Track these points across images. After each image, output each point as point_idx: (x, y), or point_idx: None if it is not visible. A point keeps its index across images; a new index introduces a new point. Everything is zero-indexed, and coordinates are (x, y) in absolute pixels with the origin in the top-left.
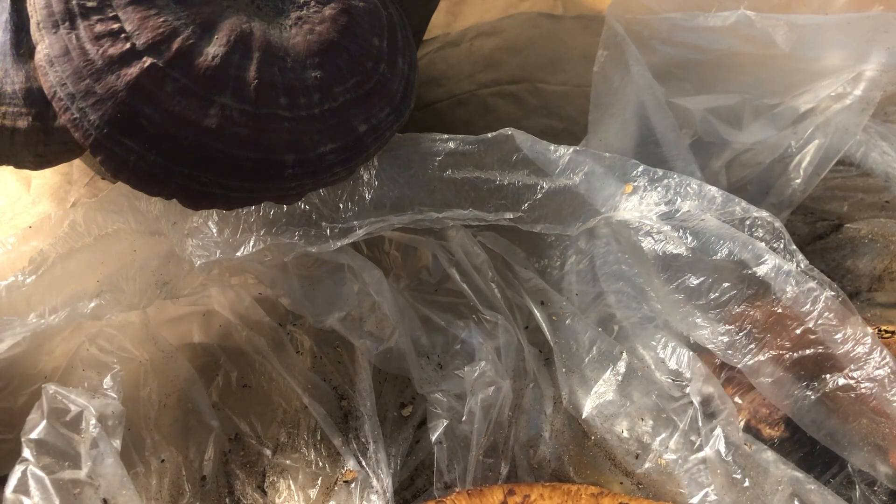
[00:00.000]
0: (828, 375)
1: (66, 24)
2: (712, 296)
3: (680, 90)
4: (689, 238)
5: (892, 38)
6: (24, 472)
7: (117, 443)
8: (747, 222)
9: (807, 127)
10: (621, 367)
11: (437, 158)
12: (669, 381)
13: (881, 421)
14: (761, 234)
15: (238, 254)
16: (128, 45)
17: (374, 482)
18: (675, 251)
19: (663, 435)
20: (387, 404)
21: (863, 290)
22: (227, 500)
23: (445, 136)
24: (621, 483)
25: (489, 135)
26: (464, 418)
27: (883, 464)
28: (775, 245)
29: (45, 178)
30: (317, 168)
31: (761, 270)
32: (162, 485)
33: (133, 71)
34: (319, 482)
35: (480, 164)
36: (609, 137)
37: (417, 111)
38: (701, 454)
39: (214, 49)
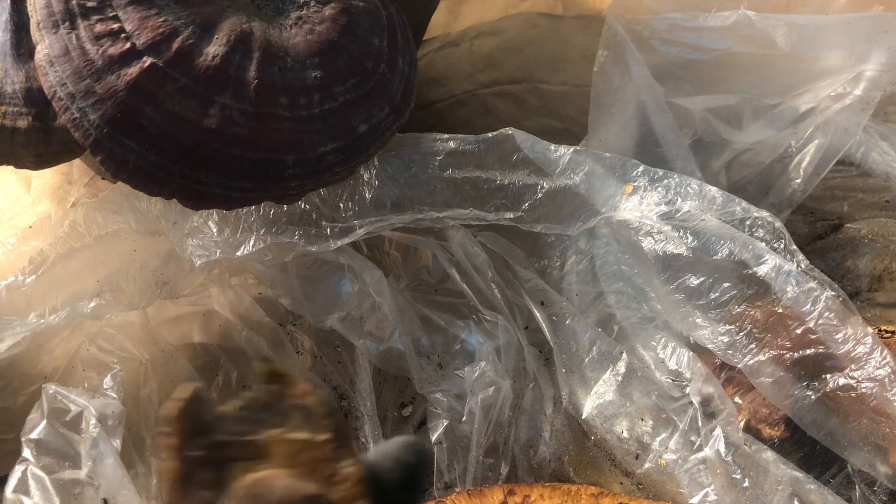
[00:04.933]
0: (828, 375)
1: (67, 24)
2: (712, 296)
3: (680, 90)
4: (690, 238)
5: (891, 39)
6: (24, 472)
7: (117, 443)
8: (747, 222)
9: (807, 127)
10: (621, 367)
11: (438, 158)
12: (669, 381)
13: (881, 421)
14: (761, 234)
15: (238, 253)
16: (128, 45)
17: None
18: (675, 251)
19: (663, 435)
20: (387, 404)
21: (863, 290)
22: None
23: (445, 135)
24: (621, 483)
25: (489, 135)
26: (464, 418)
27: (883, 464)
28: (775, 245)
29: (45, 178)
30: (317, 168)
31: (762, 270)
32: (162, 485)
33: (133, 71)
34: None
35: (481, 163)
36: (609, 137)
37: (417, 111)
38: (701, 454)
39: (214, 49)
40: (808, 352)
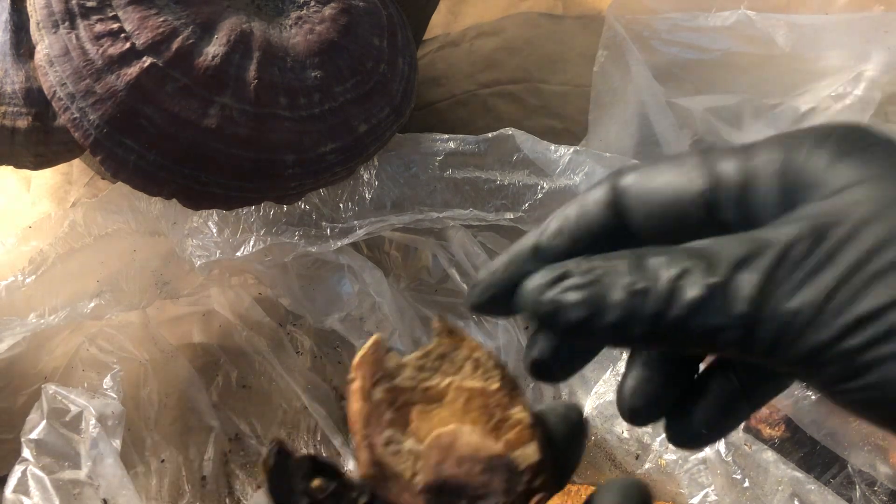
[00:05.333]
0: None
1: (66, 23)
2: None
3: (680, 90)
4: None
5: (892, 39)
6: (23, 473)
7: (117, 443)
8: None
9: None
10: (621, 367)
11: (438, 158)
12: None
13: None
14: None
15: (238, 254)
16: (128, 45)
17: None
18: None
19: (664, 435)
20: None
21: None
22: (227, 500)
23: (445, 136)
24: None
25: (489, 135)
26: None
27: (883, 464)
28: None
29: (45, 178)
30: (317, 168)
31: None
32: (162, 485)
33: (133, 71)
34: None
35: (481, 164)
36: (609, 137)
37: (417, 111)
38: (701, 454)
39: (214, 49)
40: None
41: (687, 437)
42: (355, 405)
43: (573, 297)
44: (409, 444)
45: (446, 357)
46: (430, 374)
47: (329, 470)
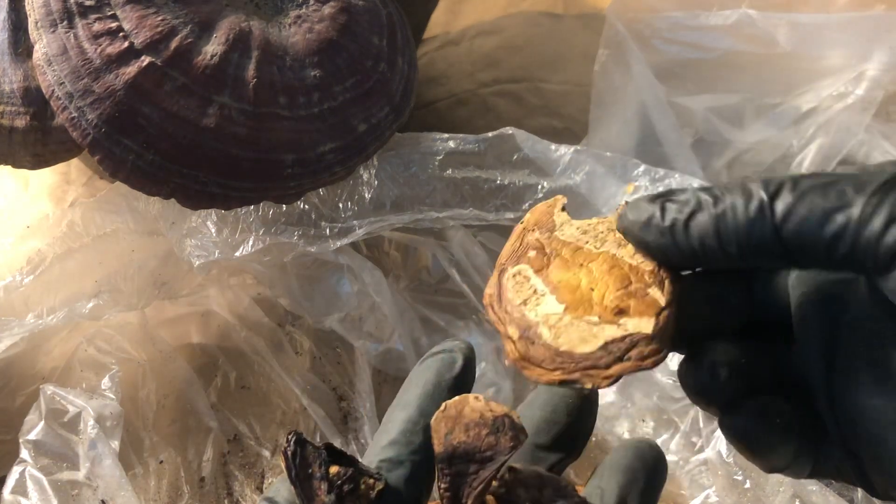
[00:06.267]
0: None
1: (65, 22)
2: None
3: (681, 89)
4: None
5: (894, 38)
6: (21, 474)
7: (115, 444)
8: None
9: (809, 126)
10: None
11: (438, 158)
12: (671, 382)
13: None
14: None
15: (237, 254)
16: (126, 44)
17: None
18: None
19: (664, 436)
20: (386, 405)
21: None
22: (225, 501)
23: (445, 135)
24: None
25: (489, 134)
26: None
27: None
28: None
29: (43, 178)
30: (316, 167)
31: None
32: (160, 486)
33: (131, 70)
34: None
35: (481, 163)
36: (610, 137)
37: (417, 110)
38: (702, 455)
39: (213, 48)
40: None
41: (740, 432)
42: (508, 242)
43: (680, 196)
44: (534, 279)
45: (615, 232)
46: (592, 240)
47: (345, 457)
